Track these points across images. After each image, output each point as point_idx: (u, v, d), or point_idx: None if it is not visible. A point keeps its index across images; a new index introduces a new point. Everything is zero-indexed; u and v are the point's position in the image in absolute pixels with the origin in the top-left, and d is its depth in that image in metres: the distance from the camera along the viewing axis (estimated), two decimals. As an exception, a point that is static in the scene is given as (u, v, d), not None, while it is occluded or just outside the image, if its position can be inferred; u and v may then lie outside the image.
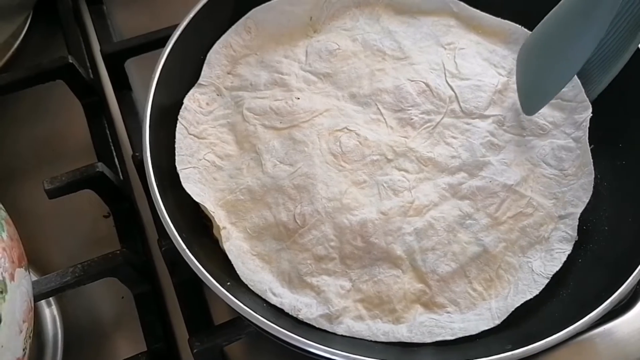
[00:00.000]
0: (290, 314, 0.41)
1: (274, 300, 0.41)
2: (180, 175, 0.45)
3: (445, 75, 0.49)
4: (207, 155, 0.47)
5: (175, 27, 0.49)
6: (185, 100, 0.48)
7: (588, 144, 0.47)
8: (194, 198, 0.44)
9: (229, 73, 0.51)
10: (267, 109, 0.48)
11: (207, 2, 0.50)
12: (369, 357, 0.36)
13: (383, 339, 0.40)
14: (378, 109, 0.48)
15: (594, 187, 0.46)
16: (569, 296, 0.42)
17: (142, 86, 0.58)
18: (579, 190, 0.46)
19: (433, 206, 0.44)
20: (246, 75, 0.50)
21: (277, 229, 0.44)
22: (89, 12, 0.65)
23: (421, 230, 0.43)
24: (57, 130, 0.59)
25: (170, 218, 0.40)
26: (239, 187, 0.45)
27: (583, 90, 0.48)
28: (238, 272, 0.42)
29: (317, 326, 0.40)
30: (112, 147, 0.56)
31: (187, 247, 0.39)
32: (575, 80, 0.48)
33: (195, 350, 0.41)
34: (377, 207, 0.44)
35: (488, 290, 0.42)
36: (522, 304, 0.41)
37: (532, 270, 0.43)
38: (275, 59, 0.51)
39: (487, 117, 0.48)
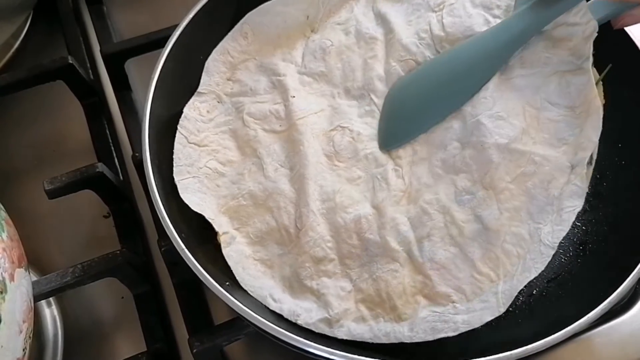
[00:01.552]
0: (289, 320, 0.40)
1: (273, 306, 0.40)
2: (179, 186, 0.44)
3: (434, 43, 0.47)
4: (209, 163, 0.46)
5: (175, 27, 0.49)
6: (185, 109, 0.48)
7: (593, 74, 0.42)
8: (193, 208, 0.43)
9: (228, 79, 0.51)
10: (267, 112, 0.48)
11: (207, 2, 0.50)
12: (368, 357, 0.36)
13: (384, 340, 0.39)
14: (371, 99, 0.47)
15: (593, 187, 0.45)
16: (568, 296, 0.42)
17: (142, 86, 0.58)
18: (589, 130, 0.40)
19: (426, 188, 0.42)
20: (246, 80, 0.50)
21: (279, 233, 0.43)
22: (89, 13, 0.65)
23: (414, 218, 0.42)
24: (57, 131, 0.59)
25: (169, 218, 0.40)
26: (241, 193, 0.45)
27: (589, 9, 0.42)
28: (237, 278, 0.42)
29: (316, 331, 0.40)
30: (112, 148, 0.56)
31: (187, 247, 0.39)
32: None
33: (195, 350, 0.41)
34: (370, 202, 0.43)
35: (496, 270, 0.39)
36: (520, 303, 0.41)
37: (540, 239, 0.39)
38: (273, 62, 0.50)
39: None
